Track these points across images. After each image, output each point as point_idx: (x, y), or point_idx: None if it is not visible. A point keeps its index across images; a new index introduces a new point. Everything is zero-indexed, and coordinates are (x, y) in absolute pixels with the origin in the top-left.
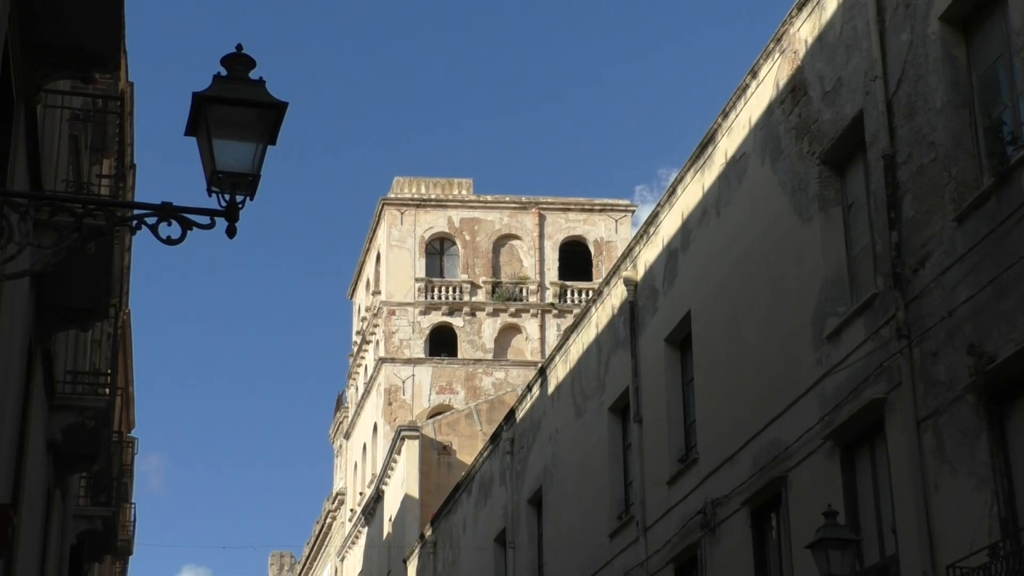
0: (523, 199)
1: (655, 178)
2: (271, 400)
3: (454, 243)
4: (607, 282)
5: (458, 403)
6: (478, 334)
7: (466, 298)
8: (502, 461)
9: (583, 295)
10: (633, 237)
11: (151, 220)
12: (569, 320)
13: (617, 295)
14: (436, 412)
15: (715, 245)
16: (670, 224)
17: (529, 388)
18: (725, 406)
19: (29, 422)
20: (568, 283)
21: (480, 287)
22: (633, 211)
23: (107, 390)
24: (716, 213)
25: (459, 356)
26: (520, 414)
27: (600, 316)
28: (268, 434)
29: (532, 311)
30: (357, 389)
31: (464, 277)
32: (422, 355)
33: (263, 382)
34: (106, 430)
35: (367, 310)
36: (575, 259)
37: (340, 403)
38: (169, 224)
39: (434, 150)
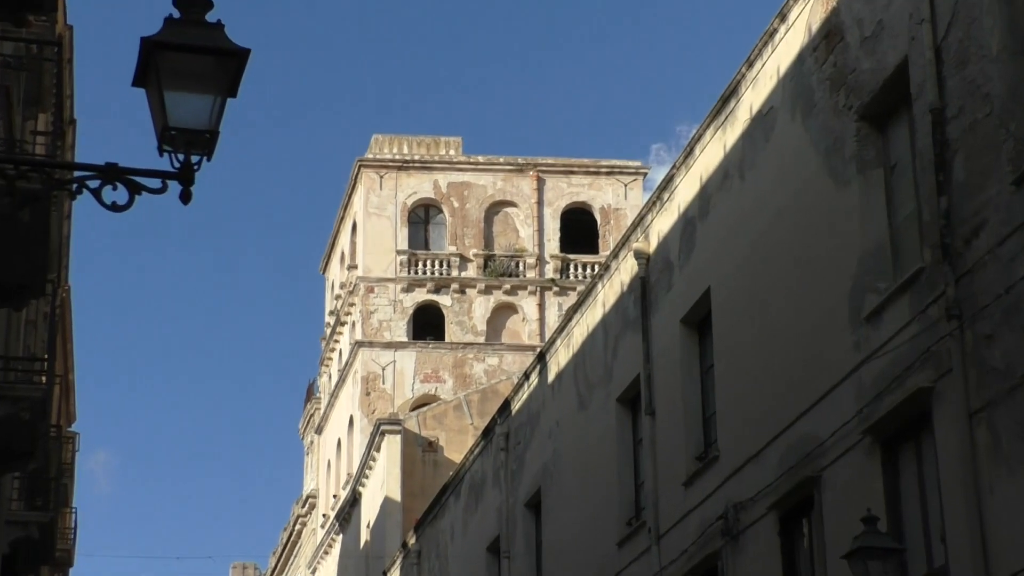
0: (519, 160)
1: (673, 136)
2: (233, 390)
3: (440, 211)
4: (615, 255)
5: (445, 393)
6: (468, 314)
7: (454, 273)
8: (495, 459)
9: (588, 270)
10: (645, 204)
11: (94, 184)
12: (572, 298)
13: (626, 270)
14: (421, 403)
15: (738, 212)
16: (687, 189)
17: (526, 376)
18: (749, 396)
19: None
20: (571, 256)
21: (470, 261)
22: (645, 174)
23: (43, 378)
24: (739, 176)
25: (447, 339)
26: (516, 406)
27: (607, 294)
28: (230, 429)
29: (530, 288)
30: (330, 377)
31: (452, 249)
32: (404, 338)
33: (223, 370)
34: (43, 423)
35: (341, 287)
36: (579, 229)
37: (311, 393)
38: (114, 188)
39: (418, 104)
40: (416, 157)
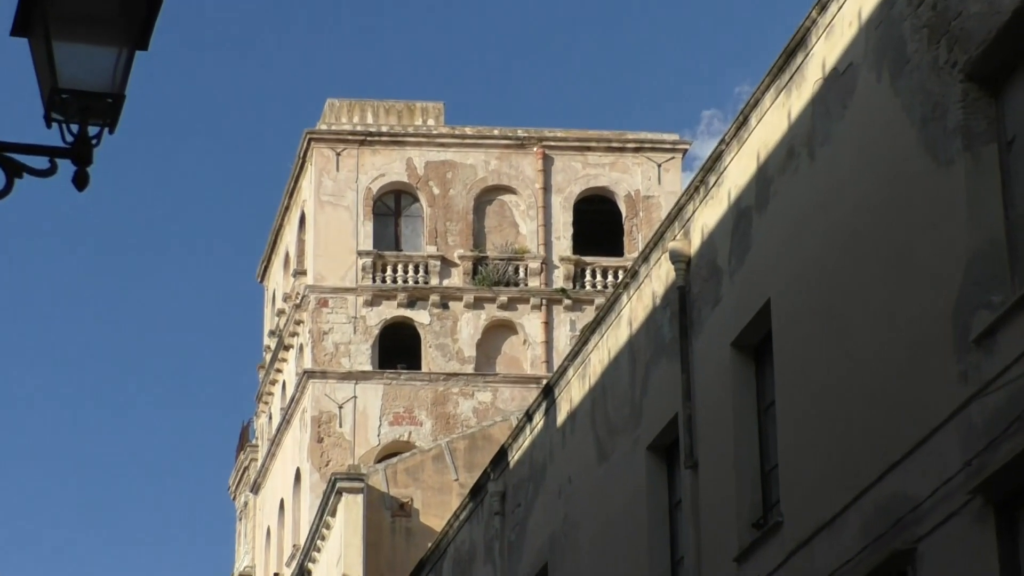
0: (519, 133)
1: (730, 99)
2: (142, 435)
3: (416, 199)
4: (645, 258)
5: (422, 439)
6: (452, 336)
7: (434, 281)
8: (488, 527)
9: (609, 277)
10: (685, 190)
11: None
12: (589, 315)
13: (660, 277)
14: (389, 453)
15: (807, 202)
16: (740, 170)
17: (528, 417)
18: (822, 444)
19: None
20: (587, 259)
21: (455, 265)
22: (685, 150)
23: None
24: (808, 154)
25: (424, 368)
26: (515, 456)
27: (635, 309)
28: (137, 486)
29: (533, 301)
30: (271, 418)
31: (431, 250)
32: (368, 366)
33: (131, 408)
34: None
35: (285, 300)
36: (597, 223)
37: (245, 439)
38: None
39: (386, 60)
40: (384, 128)
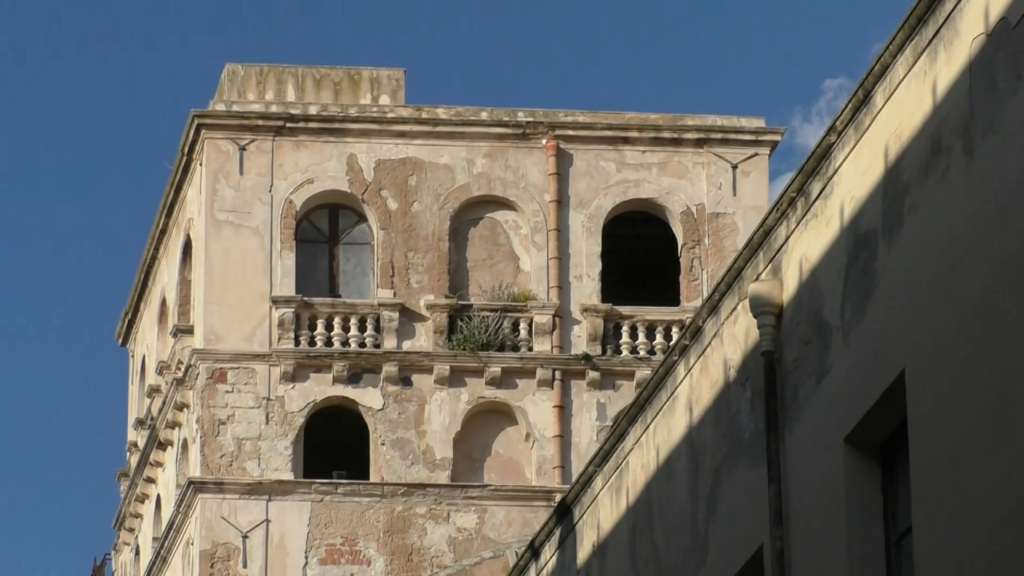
0: (519, 116)
1: (858, 59)
2: None
3: (362, 218)
4: (713, 308)
5: None
6: (417, 427)
7: (389, 344)
8: None
9: (658, 338)
10: (775, 204)
11: None
12: (626, 396)
13: (737, 339)
14: None
15: (961, 222)
16: (858, 175)
17: (534, 551)
18: None
19: None
20: (624, 310)
21: (422, 319)
22: (775, 144)
23: None
24: (964, 149)
25: (373, 478)
26: None
27: (697, 386)
28: None
29: (541, 374)
30: (137, 553)
31: (385, 296)
32: (288, 475)
33: None
34: None
35: (162, 371)
36: (640, 255)
37: None
38: None
39: (318, 7)
40: (313, 109)
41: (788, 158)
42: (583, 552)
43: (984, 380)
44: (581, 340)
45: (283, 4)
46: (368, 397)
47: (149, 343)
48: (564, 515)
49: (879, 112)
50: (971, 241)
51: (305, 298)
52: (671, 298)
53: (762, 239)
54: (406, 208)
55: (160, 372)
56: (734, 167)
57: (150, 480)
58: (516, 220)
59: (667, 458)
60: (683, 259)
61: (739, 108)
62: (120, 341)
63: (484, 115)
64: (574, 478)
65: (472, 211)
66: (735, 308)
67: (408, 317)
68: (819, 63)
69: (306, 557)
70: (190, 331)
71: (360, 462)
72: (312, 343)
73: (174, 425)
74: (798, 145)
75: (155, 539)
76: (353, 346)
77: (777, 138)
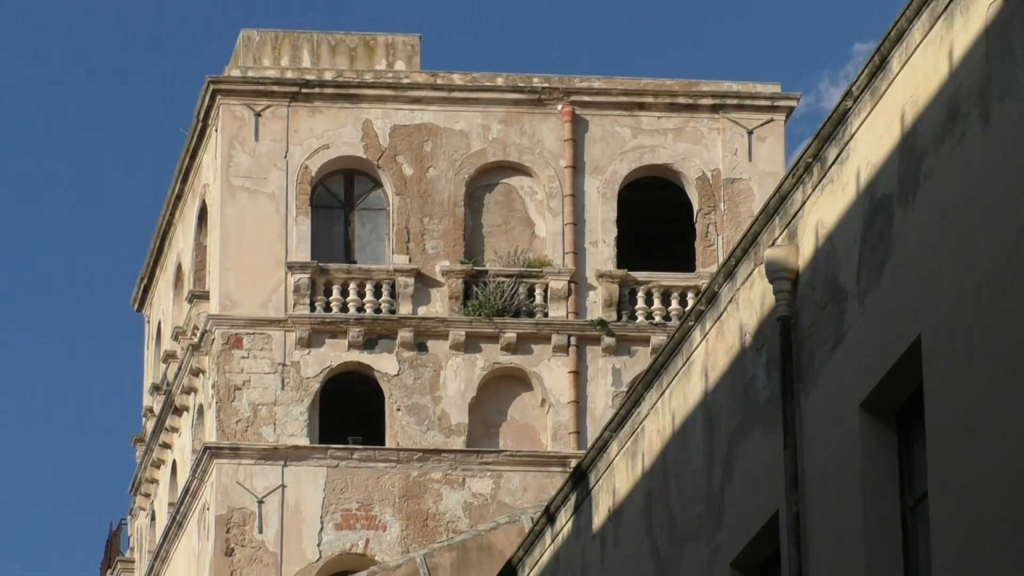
0: (535, 82)
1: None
2: None
3: (377, 183)
4: (729, 273)
5: (386, 548)
6: (432, 392)
7: (405, 310)
8: None
9: (673, 304)
10: (790, 170)
11: None
12: (642, 362)
13: (753, 304)
14: (336, 573)
15: (978, 188)
16: (875, 140)
17: (550, 517)
18: (998, 559)
19: None
20: (639, 276)
21: (437, 284)
22: (791, 109)
23: None
24: (980, 114)
25: (388, 443)
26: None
27: (713, 352)
28: None
29: (556, 340)
30: (153, 518)
31: (401, 262)
32: (303, 440)
33: None
34: None
35: (177, 337)
36: (655, 221)
37: (114, 550)
38: None
39: None
40: (328, 75)
41: (814, 123)
42: (599, 517)
43: (1000, 345)
44: (596, 306)
45: None
46: (384, 363)
47: (165, 308)
48: (580, 480)
49: (895, 77)
50: (987, 207)
51: (320, 264)
52: (686, 264)
53: (778, 204)
54: (421, 174)
55: (176, 337)
56: (750, 133)
57: (166, 445)
58: (531, 186)
59: (683, 423)
60: (698, 225)
61: (765, 73)
62: (136, 306)
63: (499, 81)
64: (589, 444)
65: (487, 177)
66: (751, 273)
67: (423, 283)
68: (849, 27)
69: (321, 522)
70: (206, 296)
71: (376, 428)
72: (328, 309)
73: (190, 391)
74: (824, 110)
75: (171, 504)
76: (368, 312)
77: (793, 104)
